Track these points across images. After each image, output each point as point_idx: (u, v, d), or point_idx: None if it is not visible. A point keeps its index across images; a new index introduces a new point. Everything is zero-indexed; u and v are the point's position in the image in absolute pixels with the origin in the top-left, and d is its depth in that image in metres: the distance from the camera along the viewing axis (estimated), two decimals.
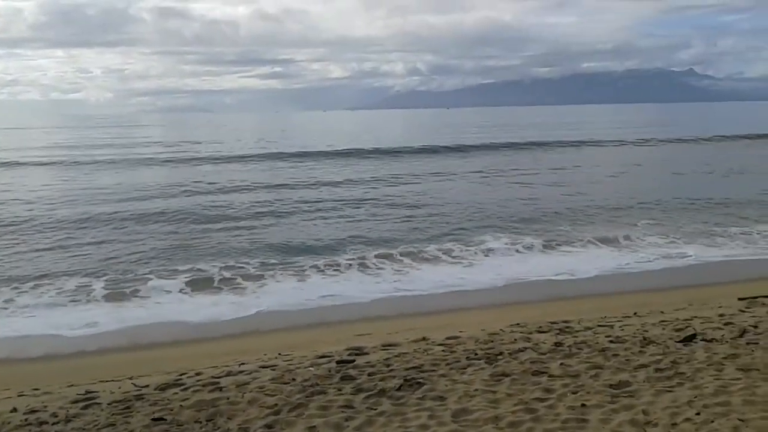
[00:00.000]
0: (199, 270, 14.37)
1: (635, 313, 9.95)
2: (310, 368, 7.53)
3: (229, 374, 7.57)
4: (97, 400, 6.83)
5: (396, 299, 12.58)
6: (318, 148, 49.07)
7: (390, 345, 8.59)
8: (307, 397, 6.47)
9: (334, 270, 14.45)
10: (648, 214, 20.52)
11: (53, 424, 6.25)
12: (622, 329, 8.80)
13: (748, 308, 9.84)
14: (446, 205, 23.16)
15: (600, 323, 9.29)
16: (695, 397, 5.94)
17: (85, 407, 6.64)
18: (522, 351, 7.78)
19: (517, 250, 16.10)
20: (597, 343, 8.00)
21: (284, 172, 34.82)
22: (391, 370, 7.22)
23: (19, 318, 11.56)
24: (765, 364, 6.75)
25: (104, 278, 13.77)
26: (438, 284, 13.38)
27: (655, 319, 9.42)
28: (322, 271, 14.38)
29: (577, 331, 8.81)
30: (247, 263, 14.86)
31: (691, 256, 15.31)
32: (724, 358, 7.06)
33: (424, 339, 8.84)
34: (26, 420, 6.36)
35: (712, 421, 5.38)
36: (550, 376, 6.78)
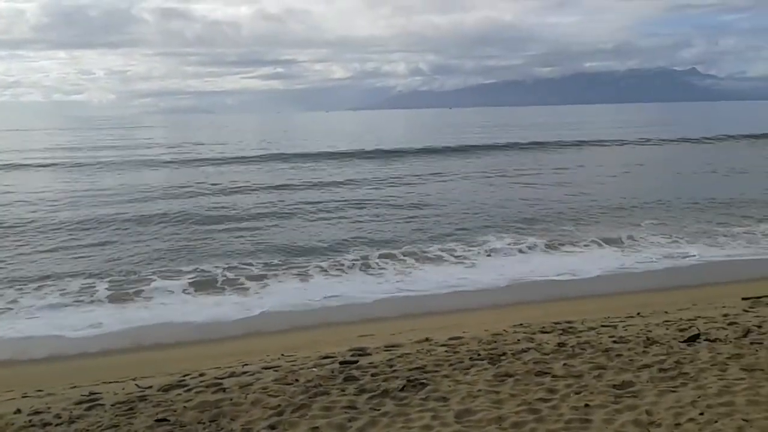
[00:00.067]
0: (202, 271, 14.38)
1: (638, 314, 9.94)
2: (313, 369, 7.53)
3: (232, 375, 7.57)
4: (100, 402, 6.84)
5: (399, 300, 12.58)
6: (320, 149, 49.11)
7: (393, 346, 8.59)
8: (310, 398, 6.47)
9: (337, 271, 14.45)
10: (651, 213, 20.49)
11: (57, 425, 6.25)
12: (626, 329, 8.79)
13: (752, 308, 9.83)
14: (449, 206, 23.15)
15: (603, 323, 9.28)
16: (699, 397, 5.94)
17: (89, 408, 6.65)
18: (525, 351, 7.78)
19: (520, 250, 16.09)
20: (600, 343, 7.99)
21: (286, 173, 34.84)
22: (394, 371, 7.22)
23: (23, 319, 11.57)
24: None
25: (107, 279, 13.79)
26: (441, 284, 13.37)
27: (658, 319, 9.41)
28: (325, 271, 14.38)
29: (581, 332, 8.80)
30: (250, 264, 14.87)
31: (694, 256, 15.29)
32: (728, 358, 7.05)
33: (427, 340, 8.84)
34: (30, 421, 6.36)
35: (716, 422, 5.37)
36: (553, 376, 6.78)
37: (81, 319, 11.44)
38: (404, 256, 15.51)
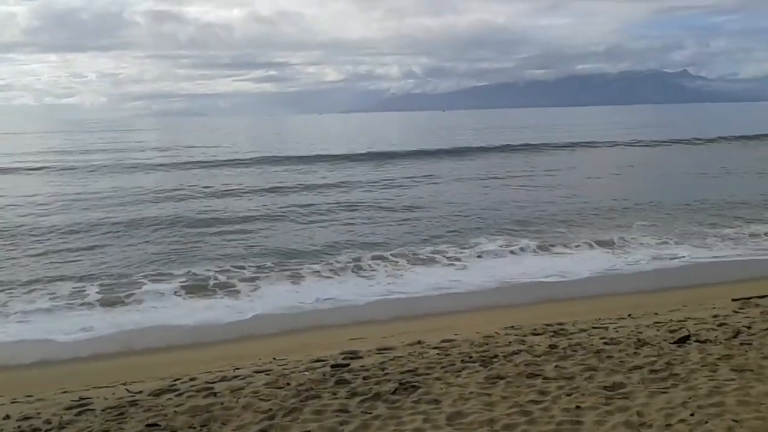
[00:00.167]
0: (194, 274, 14.32)
1: (629, 315, 9.97)
2: (305, 372, 7.52)
3: (223, 379, 7.55)
4: (90, 407, 6.80)
5: (391, 302, 12.57)
6: (313, 152, 49.09)
7: (385, 348, 8.58)
8: (301, 401, 6.45)
9: (329, 273, 14.42)
10: (642, 215, 20.56)
11: (47, 431, 6.22)
12: (617, 331, 8.81)
13: (742, 309, 9.87)
14: (441, 208, 23.17)
15: (594, 325, 9.30)
16: (689, 398, 5.96)
17: (79, 414, 6.61)
18: (517, 353, 7.79)
19: (512, 252, 16.10)
20: (592, 345, 8.01)
21: (278, 175, 34.80)
22: (386, 374, 7.22)
23: (12, 323, 11.49)
24: (759, 364, 6.78)
25: (98, 283, 13.71)
26: (433, 287, 13.37)
27: (649, 320, 9.44)
28: (317, 274, 14.34)
29: (572, 333, 8.82)
30: (242, 267, 14.82)
31: (684, 257, 15.35)
32: (718, 359, 7.08)
33: (419, 342, 8.84)
34: (19, 427, 6.33)
35: (707, 422, 5.39)
36: (544, 378, 6.79)
37: (71, 324, 11.37)
38: (396, 258, 15.50)
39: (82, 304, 12.41)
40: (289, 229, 20.01)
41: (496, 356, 7.72)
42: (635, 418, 5.58)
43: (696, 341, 7.89)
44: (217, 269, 14.63)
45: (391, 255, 15.74)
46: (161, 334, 10.94)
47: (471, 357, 7.75)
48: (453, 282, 13.70)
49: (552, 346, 8.03)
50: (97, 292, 13.07)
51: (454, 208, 22.94)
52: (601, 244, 16.60)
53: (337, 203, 24.67)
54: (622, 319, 9.75)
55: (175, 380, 7.67)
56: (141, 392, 7.22)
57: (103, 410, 6.65)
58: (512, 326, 9.51)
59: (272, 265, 14.96)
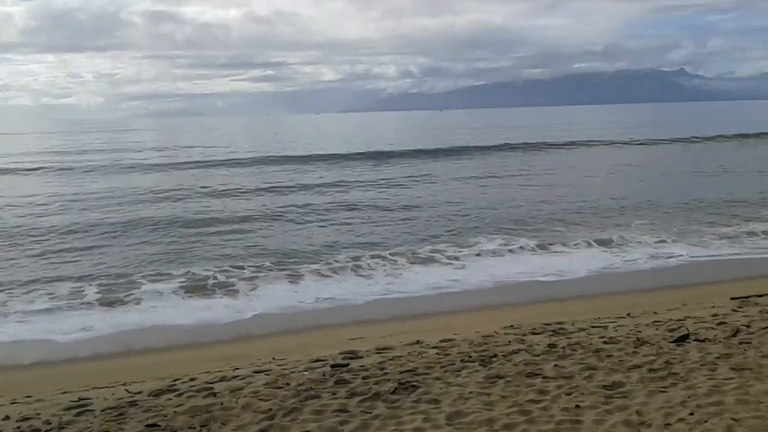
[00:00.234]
0: (193, 274, 14.31)
1: (628, 314, 9.98)
2: (305, 372, 7.52)
3: (223, 379, 7.55)
4: (90, 407, 6.80)
5: (390, 302, 12.57)
6: (310, 152, 49.06)
7: (384, 348, 8.59)
8: (301, 401, 6.46)
9: (328, 273, 14.41)
10: (641, 214, 20.58)
11: (46, 431, 6.21)
12: (616, 330, 8.83)
13: (741, 308, 9.89)
14: (439, 207, 23.18)
15: (594, 324, 9.32)
16: (689, 397, 5.97)
17: (79, 414, 6.61)
18: (516, 353, 7.80)
19: (511, 251, 16.11)
20: (591, 344, 8.03)
21: (276, 175, 34.77)
22: (386, 374, 7.22)
23: (11, 323, 11.47)
24: (758, 363, 6.79)
25: (97, 283, 13.68)
26: (432, 286, 13.38)
27: (648, 319, 9.46)
28: (316, 274, 14.33)
29: (571, 333, 8.83)
30: (241, 267, 14.81)
31: (683, 255, 15.36)
32: (717, 357, 7.10)
33: (418, 342, 8.84)
34: (19, 428, 6.33)
35: (706, 421, 5.40)
36: (544, 377, 6.80)
37: (70, 324, 11.36)
38: (395, 258, 15.49)
39: (81, 305, 12.40)
40: (287, 228, 20.01)
41: (495, 356, 7.72)
42: (634, 417, 5.59)
43: (695, 340, 7.90)
44: (216, 269, 14.61)
45: (390, 254, 15.74)
46: (160, 334, 10.93)
47: (470, 356, 7.76)
48: (452, 281, 13.70)
49: (551, 346, 8.04)
50: (96, 293, 13.05)
51: (452, 208, 22.95)
52: (600, 243, 16.61)
53: (335, 203, 24.68)
54: (621, 318, 9.76)
55: (174, 380, 7.66)
56: (140, 392, 7.22)
57: (102, 411, 6.65)
58: (511, 325, 9.52)
59: (271, 265, 14.96)
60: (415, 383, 6.81)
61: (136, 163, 42.51)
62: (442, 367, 7.38)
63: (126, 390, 7.39)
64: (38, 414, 6.70)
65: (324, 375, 7.33)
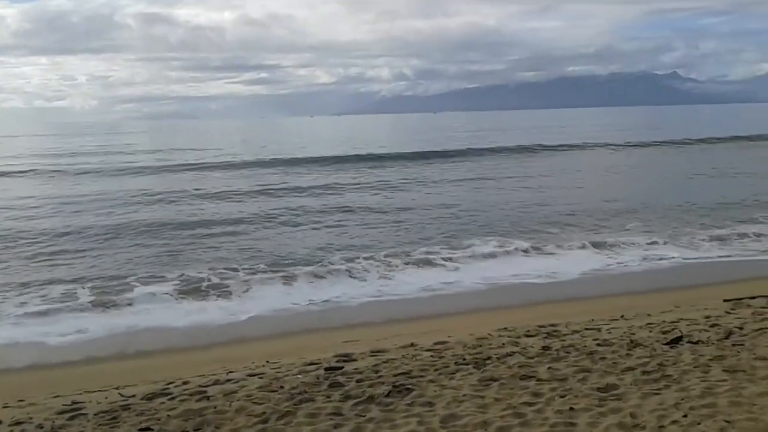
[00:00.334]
0: (186, 277, 14.27)
1: (622, 316, 10.00)
2: (298, 376, 7.51)
3: (216, 383, 7.52)
4: (83, 411, 6.76)
5: (384, 304, 12.57)
6: (304, 155, 49.00)
7: (378, 351, 8.58)
8: (295, 404, 6.44)
9: (322, 275, 14.39)
10: (635, 216, 20.64)
11: None
12: (610, 332, 8.84)
13: (734, 310, 9.93)
14: (434, 210, 23.18)
15: (587, 326, 9.33)
16: (682, 399, 5.98)
17: (71, 418, 6.57)
18: (510, 355, 7.80)
19: (505, 253, 16.12)
20: (585, 346, 8.04)
21: (270, 178, 34.69)
22: (380, 377, 7.21)
23: (4, 326, 11.40)
24: (751, 365, 6.81)
25: (90, 286, 13.63)
26: (426, 289, 13.38)
27: (641, 321, 9.48)
28: (310, 277, 14.31)
29: (565, 335, 8.84)
30: (235, 270, 14.77)
31: (676, 258, 15.41)
32: (711, 359, 7.11)
33: (412, 345, 8.83)
34: None
35: (699, 423, 5.41)
36: (538, 380, 6.80)
37: (64, 327, 11.31)
38: (389, 260, 15.48)
39: (74, 308, 12.33)
40: (281, 231, 19.98)
41: (489, 358, 7.73)
42: (628, 420, 5.59)
43: (688, 342, 7.92)
44: (210, 271, 14.58)
45: (384, 257, 15.73)
46: (154, 337, 10.91)
47: (464, 359, 7.76)
48: (446, 284, 13.71)
49: (545, 348, 8.05)
50: (90, 295, 13.00)
51: (446, 210, 22.96)
52: (594, 245, 16.64)
53: (329, 205, 24.65)
54: (615, 320, 9.78)
55: (168, 384, 7.64)
56: (134, 396, 7.19)
57: (95, 414, 6.61)
58: (505, 328, 9.52)
59: (265, 268, 14.93)
60: (410, 386, 6.80)
61: (129, 166, 42.35)
62: (436, 369, 7.38)
63: (119, 393, 7.36)
64: (30, 418, 6.66)
65: (318, 378, 7.32)
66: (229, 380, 7.60)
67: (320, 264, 15.16)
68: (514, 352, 7.93)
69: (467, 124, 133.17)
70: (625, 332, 8.74)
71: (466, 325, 10.13)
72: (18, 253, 16.97)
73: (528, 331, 9.22)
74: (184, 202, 26.28)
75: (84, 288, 13.48)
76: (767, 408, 5.61)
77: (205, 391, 7.13)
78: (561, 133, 79.09)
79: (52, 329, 11.20)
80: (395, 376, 7.21)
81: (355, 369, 7.62)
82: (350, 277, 14.36)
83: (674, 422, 5.47)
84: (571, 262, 15.13)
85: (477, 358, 7.74)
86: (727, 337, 8.04)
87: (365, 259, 15.54)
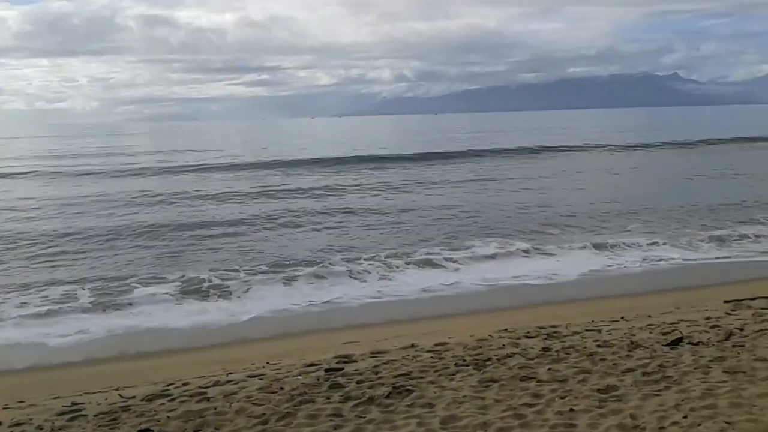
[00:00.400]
0: (187, 278, 14.27)
1: (622, 317, 10.00)
2: (299, 377, 7.51)
3: (216, 384, 7.52)
4: (83, 412, 6.76)
5: (384, 305, 12.57)
6: (305, 156, 49.00)
7: (378, 352, 8.58)
8: (295, 406, 6.44)
9: (322, 277, 14.39)
10: (636, 217, 20.64)
11: None
12: (610, 333, 8.84)
13: (734, 311, 9.92)
14: (434, 211, 23.19)
15: (588, 328, 9.33)
16: (682, 400, 5.97)
17: (71, 419, 6.57)
18: (510, 356, 7.80)
19: (506, 255, 16.12)
20: (585, 347, 8.03)
21: (271, 179, 34.73)
22: (380, 378, 7.21)
23: (5, 327, 11.41)
24: (751, 366, 6.81)
25: (90, 287, 13.64)
26: (427, 290, 13.39)
27: (642, 323, 9.47)
28: (310, 278, 14.32)
29: (565, 336, 8.84)
30: (235, 271, 14.77)
31: (676, 259, 15.41)
32: (711, 361, 7.11)
33: (412, 346, 8.83)
34: None
35: (699, 425, 5.40)
36: (538, 381, 6.79)
37: (64, 328, 11.33)
38: (390, 261, 15.47)
39: (74, 309, 12.34)
40: (282, 232, 19.99)
41: (489, 359, 7.72)
42: (628, 421, 5.59)
43: (688, 343, 7.92)
44: (211, 273, 14.58)
45: (385, 258, 15.72)
46: (154, 338, 10.91)
47: (464, 360, 7.75)
48: (446, 285, 13.71)
49: (545, 349, 8.05)
50: (90, 297, 13.01)
51: (447, 211, 22.96)
52: (594, 246, 16.64)
53: (330, 206, 24.66)
54: (615, 321, 9.77)
55: (168, 385, 7.64)
56: (134, 397, 7.19)
57: (95, 416, 6.61)
58: (506, 329, 9.52)
59: (266, 269, 14.94)
60: (410, 387, 6.80)
61: (129, 168, 42.37)
62: (437, 371, 7.37)
63: (119, 395, 7.36)
64: (31, 419, 6.66)
65: (318, 379, 7.32)
66: (229, 381, 7.60)
67: (321, 265, 15.16)
68: (514, 354, 7.92)
69: (468, 125, 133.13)
70: (625, 333, 8.73)
71: (466, 327, 10.13)
72: (19, 255, 16.99)
73: (528, 332, 9.22)
74: (184, 203, 26.30)
75: (84, 289, 13.49)
76: (767, 409, 5.61)
77: (205, 393, 7.13)
78: (562, 134, 79.13)
79: (52, 330, 11.21)
80: (395, 377, 7.21)
81: (356, 370, 7.62)
82: (351, 278, 14.36)
83: (674, 423, 5.46)
84: (572, 264, 15.13)
85: (477, 360, 7.73)
86: (727, 339, 8.03)
87: (366, 260, 15.54)
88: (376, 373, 7.44)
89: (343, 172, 37.55)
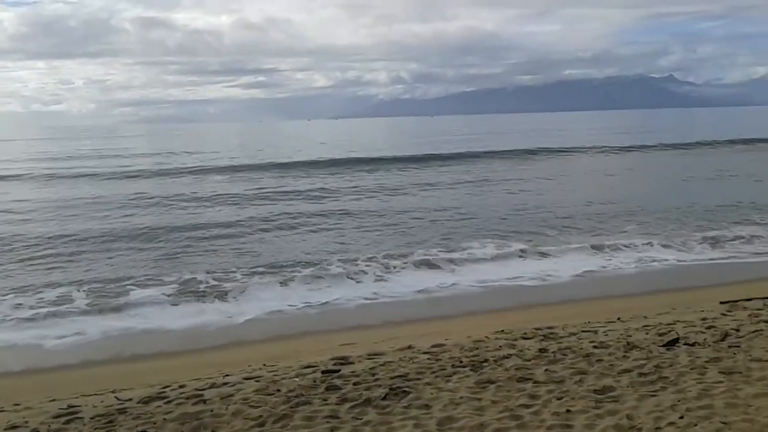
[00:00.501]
0: (183, 280, 14.23)
1: (619, 318, 10.02)
2: (295, 379, 7.50)
3: (212, 386, 7.51)
4: (79, 415, 6.75)
5: (381, 307, 12.57)
6: (302, 158, 48.96)
7: (375, 354, 8.58)
8: (292, 408, 6.43)
9: (320, 279, 14.38)
10: (632, 219, 20.66)
11: None
12: (606, 334, 8.85)
13: (730, 312, 9.94)
14: (431, 212, 23.19)
15: (584, 329, 9.34)
16: (679, 401, 5.99)
17: (68, 422, 6.56)
18: (507, 358, 7.81)
19: (503, 256, 16.12)
20: (581, 348, 8.04)
21: (268, 181, 34.71)
22: (377, 380, 7.21)
23: (0, 330, 11.38)
24: (747, 367, 6.83)
25: (86, 289, 13.60)
26: (423, 291, 13.39)
27: (638, 323, 9.49)
28: (307, 279, 14.30)
29: (562, 337, 8.85)
30: (232, 273, 14.74)
31: (672, 260, 15.44)
32: (707, 361, 7.13)
33: (409, 347, 8.83)
34: None
35: (696, 425, 5.42)
36: (535, 382, 6.80)
37: (60, 330, 11.29)
38: (386, 263, 15.46)
39: (71, 311, 12.30)
40: (279, 234, 19.97)
41: (486, 361, 7.73)
42: (625, 422, 5.60)
43: (685, 344, 7.94)
44: (207, 275, 14.55)
45: (382, 260, 15.71)
46: (150, 341, 10.89)
47: (461, 362, 7.76)
48: (443, 286, 13.71)
49: (542, 350, 8.06)
50: (86, 299, 12.97)
51: (444, 213, 22.96)
52: (591, 247, 16.65)
53: (326, 209, 24.63)
54: (612, 322, 9.79)
55: (164, 387, 7.62)
56: (130, 400, 7.17)
57: (91, 418, 6.60)
58: (502, 330, 9.52)
59: (262, 271, 14.91)
60: (406, 389, 6.80)
61: (126, 170, 42.28)
62: (433, 372, 7.38)
63: (115, 397, 7.34)
64: (26, 422, 6.65)
65: (315, 381, 7.31)
66: (225, 383, 7.59)
67: (317, 267, 15.15)
68: (511, 355, 7.93)
69: (465, 127, 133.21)
70: (621, 334, 8.75)
71: (463, 328, 10.13)
72: (14, 257, 16.93)
73: (525, 333, 9.23)
74: (181, 205, 26.25)
75: (80, 291, 13.45)
76: (763, 409, 5.63)
77: (201, 395, 7.12)
78: (558, 136, 79.23)
79: (48, 332, 11.17)
80: (392, 378, 7.21)
81: (352, 372, 7.62)
82: (348, 280, 14.35)
83: (671, 424, 5.47)
84: (568, 265, 15.14)
85: (474, 361, 7.74)
86: (723, 339, 8.05)
87: (362, 261, 15.53)
88: (373, 374, 7.44)
89: (339, 174, 37.54)
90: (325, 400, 6.61)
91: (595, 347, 8.07)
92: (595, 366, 7.23)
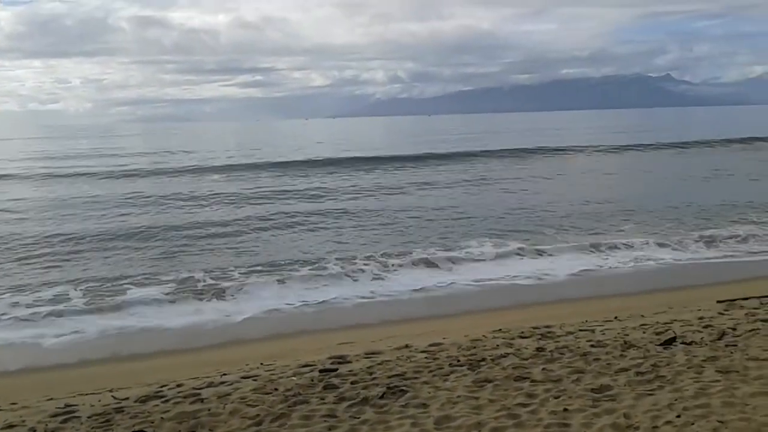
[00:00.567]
0: (181, 279, 14.24)
1: (616, 317, 10.03)
2: (293, 378, 7.50)
3: (210, 385, 7.50)
4: (76, 414, 6.74)
5: (379, 306, 12.58)
6: (299, 158, 48.91)
7: (373, 353, 8.58)
8: (289, 407, 6.43)
9: (317, 278, 14.38)
10: (629, 218, 20.70)
11: None
12: (603, 333, 8.86)
13: (727, 311, 9.96)
14: (429, 211, 23.20)
15: (581, 328, 9.35)
16: (676, 399, 6.00)
17: (65, 421, 6.55)
18: (504, 357, 7.81)
19: (501, 255, 16.13)
20: (578, 347, 8.05)
21: (266, 181, 34.69)
22: (374, 378, 7.21)
23: None
24: (744, 366, 6.84)
25: (83, 288, 13.59)
26: (421, 290, 13.41)
27: (635, 322, 9.51)
28: (305, 278, 14.30)
29: (559, 336, 8.86)
30: (230, 272, 14.73)
31: (669, 259, 15.46)
32: (704, 360, 7.14)
33: (407, 346, 8.84)
34: None
35: (693, 424, 5.43)
36: (532, 381, 6.81)
37: (57, 329, 11.28)
38: (385, 262, 15.46)
39: (68, 310, 12.28)
40: (277, 233, 19.96)
41: (483, 360, 7.73)
42: (622, 420, 5.61)
43: (682, 343, 7.95)
44: (204, 273, 14.55)
45: (380, 259, 15.72)
46: (148, 340, 10.89)
47: (459, 361, 7.76)
48: (441, 285, 13.73)
49: (539, 349, 8.06)
50: (84, 297, 12.96)
51: (441, 212, 22.98)
52: (588, 246, 16.68)
53: (324, 208, 24.64)
54: (609, 321, 9.80)
55: (161, 386, 7.61)
56: (127, 399, 7.16)
57: (89, 417, 6.59)
58: (500, 329, 9.53)
59: (260, 270, 14.91)
60: (404, 388, 6.80)
61: (122, 169, 42.21)
62: (431, 371, 7.38)
63: (113, 396, 7.34)
64: (23, 421, 6.64)
65: (312, 380, 7.32)
66: (223, 382, 7.59)
67: (315, 265, 15.16)
68: (508, 354, 7.94)
69: (462, 126, 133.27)
70: (618, 333, 8.76)
71: (460, 327, 10.14)
72: (11, 256, 16.91)
73: (522, 332, 9.24)
74: (178, 204, 26.22)
75: (78, 290, 13.44)
76: (760, 408, 5.64)
77: (198, 394, 7.11)
78: (555, 135, 79.29)
79: (45, 331, 11.16)
80: (390, 377, 7.21)
81: (350, 371, 7.62)
82: (346, 279, 14.35)
83: (668, 423, 5.48)
84: (566, 264, 15.17)
85: (471, 360, 7.75)
86: (720, 338, 8.07)
87: (360, 260, 15.54)
88: (371, 373, 7.44)
89: (336, 173, 37.52)
90: (323, 399, 6.61)
91: (592, 346, 8.08)
92: (592, 365, 7.24)
